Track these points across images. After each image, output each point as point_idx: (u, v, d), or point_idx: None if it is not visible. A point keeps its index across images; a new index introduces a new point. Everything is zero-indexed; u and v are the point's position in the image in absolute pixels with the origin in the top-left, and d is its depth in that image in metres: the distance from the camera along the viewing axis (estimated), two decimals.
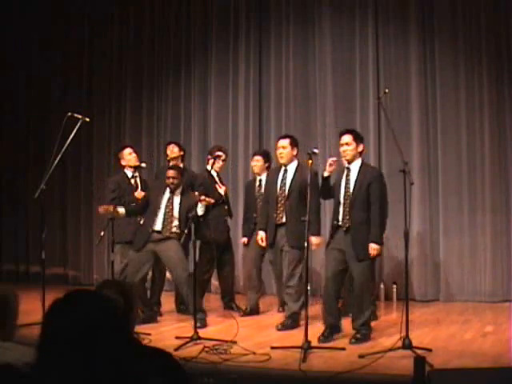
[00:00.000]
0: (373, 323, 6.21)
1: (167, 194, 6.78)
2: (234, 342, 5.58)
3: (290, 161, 6.64)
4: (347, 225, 5.80)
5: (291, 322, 6.40)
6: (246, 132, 9.31)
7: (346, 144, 5.86)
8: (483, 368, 4.49)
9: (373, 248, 5.72)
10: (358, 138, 5.90)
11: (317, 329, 5.99)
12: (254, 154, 7.71)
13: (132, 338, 1.84)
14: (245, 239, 7.54)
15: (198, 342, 5.57)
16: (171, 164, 7.34)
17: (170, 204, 6.72)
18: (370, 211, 5.77)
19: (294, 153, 6.64)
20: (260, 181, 7.45)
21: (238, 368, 4.83)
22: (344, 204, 5.85)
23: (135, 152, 7.40)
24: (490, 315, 7.29)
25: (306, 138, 8.85)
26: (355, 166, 5.89)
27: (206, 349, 5.29)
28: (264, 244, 6.70)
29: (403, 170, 5.73)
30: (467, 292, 8.27)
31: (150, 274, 7.48)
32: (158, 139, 9.71)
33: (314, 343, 5.34)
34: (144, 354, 1.99)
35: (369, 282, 5.89)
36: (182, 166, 7.43)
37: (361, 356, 5.05)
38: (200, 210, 6.60)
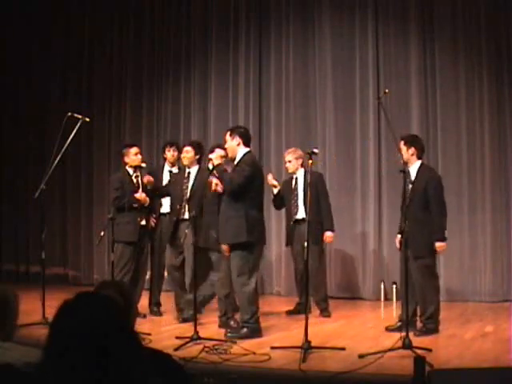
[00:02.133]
0: (373, 323, 6.23)
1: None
2: (234, 342, 5.58)
3: (235, 153, 6.17)
4: (403, 227, 6.09)
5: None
6: None
7: (400, 150, 6.20)
8: (483, 368, 4.49)
9: (438, 246, 6.01)
10: (408, 142, 6.15)
11: (317, 329, 6.00)
12: (184, 145, 7.23)
13: (132, 338, 1.85)
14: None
15: (198, 341, 5.56)
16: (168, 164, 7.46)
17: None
18: (427, 212, 6.01)
19: (235, 143, 6.12)
20: (189, 173, 7.00)
21: (237, 368, 4.83)
22: (403, 207, 6.11)
23: (141, 153, 7.29)
24: (490, 315, 7.28)
25: (306, 138, 8.86)
26: (413, 169, 6.15)
27: (206, 349, 5.29)
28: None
29: (403, 169, 5.75)
30: (467, 292, 8.27)
31: (149, 274, 7.48)
32: (158, 139, 9.70)
33: (314, 343, 5.34)
34: (144, 354, 1.99)
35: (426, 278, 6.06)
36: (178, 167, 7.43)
37: (361, 356, 5.05)
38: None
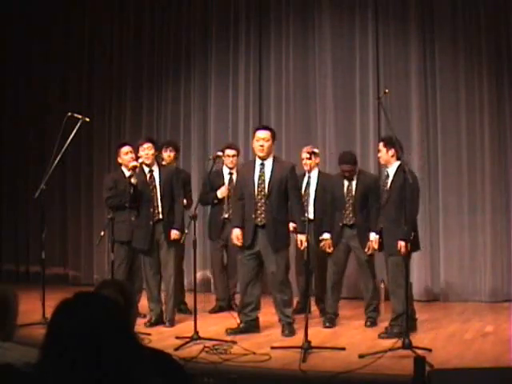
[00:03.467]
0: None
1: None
2: (234, 342, 5.58)
3: (269, 155, 6.25)
4: (381, 225, 6.25)
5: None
6: (246, 132, 9.29)
7: (379, 151, 6.30)
8: (483, 368, 4.49)
9: (402, 245, 5.83)
10: (389, 144, 6.17)
11: (317, 329, 6.00)
12: (141, 143, 6.76)
13: (133, 338, 1.85)
14: None
15: (198, 341, 5.57)
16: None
17: None
18: (402, 211, 5.84)
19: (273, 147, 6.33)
20: (151, 172, 6.69)
21: (237, 368, 4.84)
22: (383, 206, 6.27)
23: (132, 152, 7.01)
24: (490, 315, 7.29)
25: (306, 138, 8.84)
26: (392, 170, 6.21)
27: (206, 349, 5.29)
28: (240, 243, 6.23)
29: (403, 169, 5.76)
30: (467, 292, 8.26)
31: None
32: (158, 139, 9.68)
33: (314, 343, 5.34)
34: (144, 354, 1.99)
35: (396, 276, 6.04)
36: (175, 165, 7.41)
37: (361, 356, 5.05)
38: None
